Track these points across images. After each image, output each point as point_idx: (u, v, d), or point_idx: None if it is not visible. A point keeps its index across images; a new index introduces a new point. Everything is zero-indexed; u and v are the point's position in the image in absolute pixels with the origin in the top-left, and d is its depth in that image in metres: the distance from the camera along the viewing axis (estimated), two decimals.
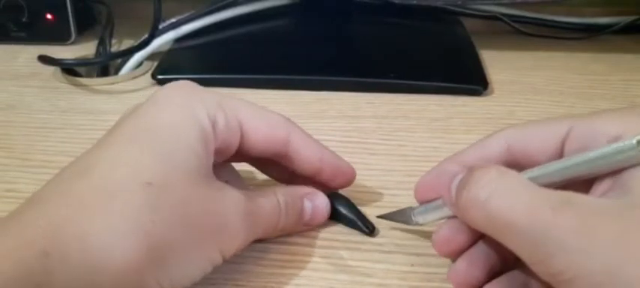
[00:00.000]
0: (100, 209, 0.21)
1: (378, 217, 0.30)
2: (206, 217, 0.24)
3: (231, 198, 0.25)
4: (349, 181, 0.31)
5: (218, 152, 0.26)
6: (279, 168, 0.30)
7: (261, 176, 0.33)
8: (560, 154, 0.25)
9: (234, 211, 0.25)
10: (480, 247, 0.25)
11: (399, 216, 0.29)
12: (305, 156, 0.29)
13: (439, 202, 0.26)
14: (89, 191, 0.22)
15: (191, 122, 0.25)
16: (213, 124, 0.26)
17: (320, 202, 0.30)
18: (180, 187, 0.23)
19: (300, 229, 0.29)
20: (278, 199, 0.28)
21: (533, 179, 0.23)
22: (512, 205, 0.21)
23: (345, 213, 0.30)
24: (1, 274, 0.20)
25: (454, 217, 0.25)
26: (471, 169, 0.24)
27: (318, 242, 0.29)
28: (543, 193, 0.21)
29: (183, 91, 0.27)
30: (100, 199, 0.22)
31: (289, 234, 0.29)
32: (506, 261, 0.25)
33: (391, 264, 0.28)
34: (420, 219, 0.28)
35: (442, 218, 0.27)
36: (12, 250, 0.20)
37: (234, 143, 0.27)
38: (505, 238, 0.22)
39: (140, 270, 0.21)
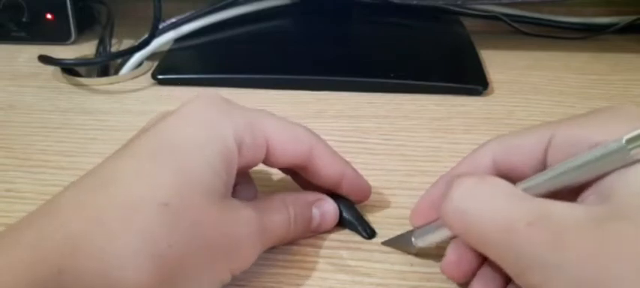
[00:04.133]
0: (117, 229, 0.21)
1: (383, 243, 0.29)
2: (220, 241, 0.24)
3: (244, 218, 0.25)
4: (363, 198, 0.31)
5: (241, 168, 0.26)
6: (296, 175, 0.30)
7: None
8: (543, 164, 0.24)
9: (247, 234, 0.25)
10: (490, 266, 0.24)
11: (400, 241, 0.29)
12: (326, 173, 0.28)
13: (437, 222, 0.26)
14: (105, 207, 0.22)
15: (215, 141, 0.25)
16: (240, 145, 0.25)
17: (328, 210, 0.29)
18: (196, 209, 0.23)
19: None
20: (288, 211, 0.27)
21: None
22: (489, 217, 0.21)
23: (347, 216, 0.30)
24: None
25: (454, 237, 0.25)
26: (454, 178, 0.23)
27: (318, 242, 0.29)
28: (521, 204, 0.21)
29: (213, 107, 0.26)
30: (117, 217, 0.21)
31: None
32: None
33: (391, 264, 0.28)
34: (420, 242, 0.27)
35: (443, 239, 0.26)
36: (27, 264, 0.20)
37: (258, 159, 0.27)
38: (485, 250, 0.22)
39: None
